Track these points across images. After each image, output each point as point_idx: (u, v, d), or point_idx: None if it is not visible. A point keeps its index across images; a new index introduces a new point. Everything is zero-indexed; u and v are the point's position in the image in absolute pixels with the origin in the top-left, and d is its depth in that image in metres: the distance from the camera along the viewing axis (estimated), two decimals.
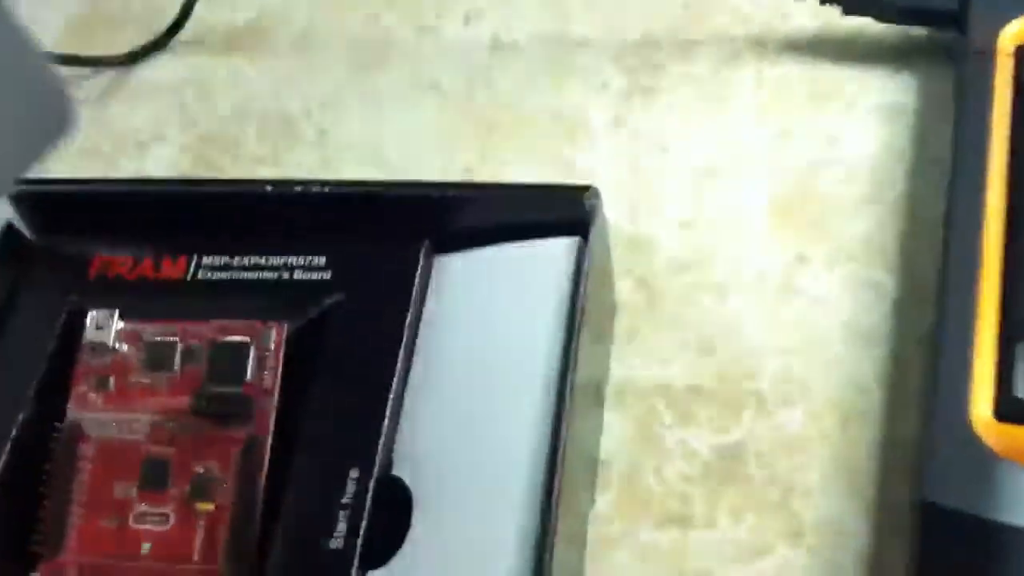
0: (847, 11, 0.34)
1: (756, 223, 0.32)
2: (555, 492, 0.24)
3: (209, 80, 0.38)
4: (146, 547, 0.26)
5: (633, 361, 0.31)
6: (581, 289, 0.27)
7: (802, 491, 0.29)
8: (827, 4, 0.34)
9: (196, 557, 0.26)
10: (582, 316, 0.26)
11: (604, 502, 0.29)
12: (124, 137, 0.37)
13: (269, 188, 0.30)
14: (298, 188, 0.29)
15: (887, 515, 0.28)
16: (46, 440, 0.28)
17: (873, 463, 0.29)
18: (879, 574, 0.27)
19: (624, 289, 0.31)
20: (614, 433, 0.30)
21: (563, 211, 0.28)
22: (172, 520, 0.27)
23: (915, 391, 0.29)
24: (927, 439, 0.26)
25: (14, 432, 0.27)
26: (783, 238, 0.32)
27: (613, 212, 0.30)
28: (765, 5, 0.35)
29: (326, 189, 0.29)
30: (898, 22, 0.34)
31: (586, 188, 0.28)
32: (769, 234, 0.32)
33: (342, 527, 0.25)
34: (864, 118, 0.34)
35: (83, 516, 0.27)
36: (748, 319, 0.31)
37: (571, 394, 0.25)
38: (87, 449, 0.28)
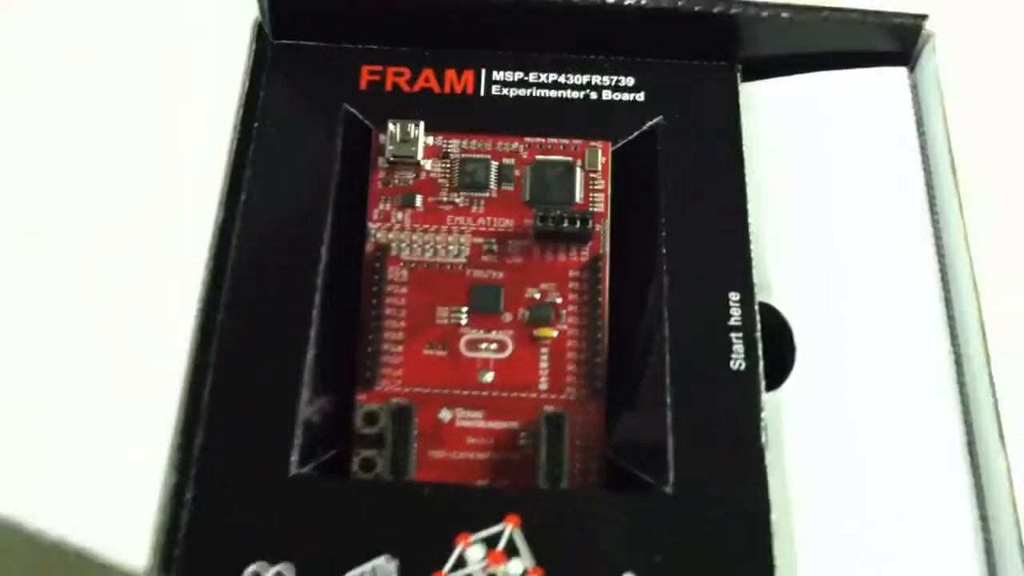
0: None
1: None
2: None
3: None
4: (487, 376, 0.24)
5: None
6: (932, 124, 0.26)
7: None
8: None
9: (544, 386, 0.24)
10: (945, 141, 0.25)
11: None
12: None
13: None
14: (603, 0, 0.27)
15: None
16: (353, 262, 0.25)
17: None
18: None
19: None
20: None
21: (892, 40, 0.27)
22: (510, 348, 0.25)
23: None
24: None
25: (324, 258, 0.24)
26: None
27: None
28: None
29: (639, 4, 0.27)
30: None
31: (921, 16, 0.27)
32: None
33: (739, 349, 0.23)
34: None
35: (405, 343, 0.25)
36: None
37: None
38: (399, 272, 0.25)
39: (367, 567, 0.20)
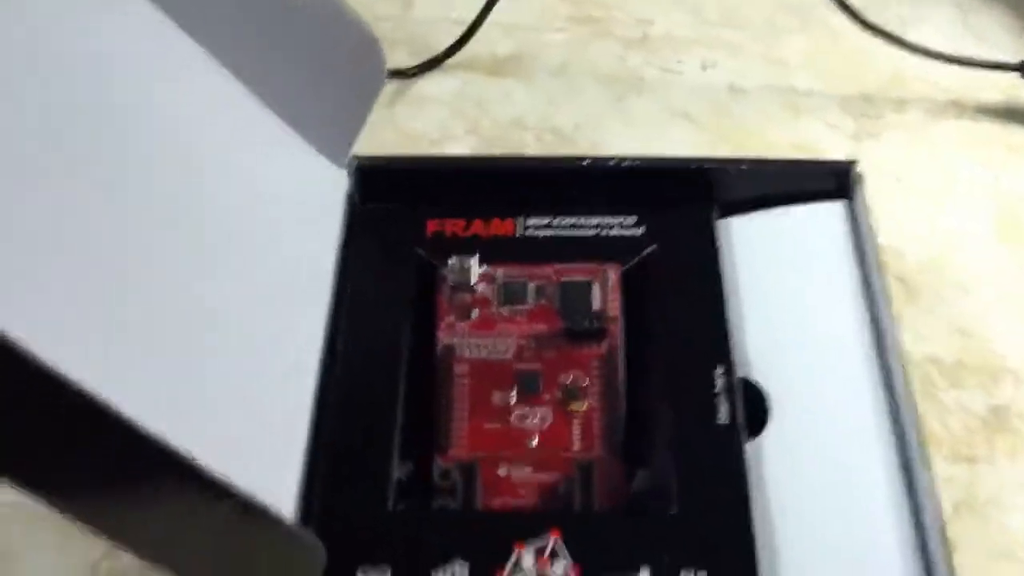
0: None
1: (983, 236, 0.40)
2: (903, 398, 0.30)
3: (484, 95, 0.44)
4: (533, 442, 0.31)
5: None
6: (866, 242, 0.34)
7: None
8: None
9: (576, 447, 0.31)
10: (875, 255, 0.33)
11: None
12: (415, 138, 0.43)
13: (585, 163, 0.36)
14: (611, 162, 0.35)
15: None
16: (428, 362, 0.33)
17: None
18: None
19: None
20: None
21: (831, 180, 0.35)
22: (549, 419, 0.32)
23: None
24: None
25: (405, 357, 0.32)
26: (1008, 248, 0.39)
27: None
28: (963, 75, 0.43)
29: (636, 163, 0.35)
30: None
31: (852, 161, 0.35)
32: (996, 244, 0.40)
33: (724, 409, 0.30)
34: None
35: (469, 420, 0.32)
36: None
37: (887, 308, 0.32)
38: (462, 367, 0.33)
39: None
